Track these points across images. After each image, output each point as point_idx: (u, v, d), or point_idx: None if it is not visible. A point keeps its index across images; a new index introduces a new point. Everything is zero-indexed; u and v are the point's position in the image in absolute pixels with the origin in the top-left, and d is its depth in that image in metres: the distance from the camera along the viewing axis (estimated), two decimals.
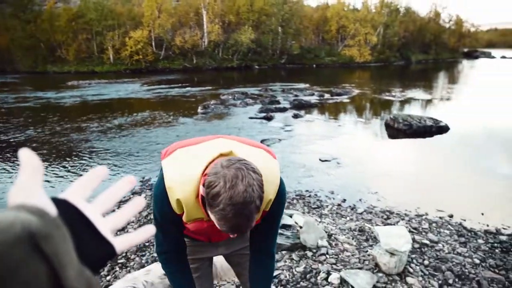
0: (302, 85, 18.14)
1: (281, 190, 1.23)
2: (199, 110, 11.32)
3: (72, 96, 15.19)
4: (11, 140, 8.09)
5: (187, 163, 1.18)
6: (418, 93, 15.74)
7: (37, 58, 30.01)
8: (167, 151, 1.26)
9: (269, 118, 10.09)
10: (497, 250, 3.38)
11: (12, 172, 5.87)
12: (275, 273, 2.87)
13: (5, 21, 29.84)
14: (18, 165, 4.97)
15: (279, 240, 3.23)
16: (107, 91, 16.66)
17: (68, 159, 6.69)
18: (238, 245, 1.57)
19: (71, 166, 6.28)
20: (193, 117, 10.42)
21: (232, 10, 35.45)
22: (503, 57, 55.81)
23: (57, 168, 6.16)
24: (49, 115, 11.00)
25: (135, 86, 18.74)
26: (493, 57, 55.81)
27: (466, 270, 2.97)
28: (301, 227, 3.43)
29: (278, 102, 12.57)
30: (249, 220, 0.99)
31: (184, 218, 1.21)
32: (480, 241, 3.55)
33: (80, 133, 8.59)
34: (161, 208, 1.22)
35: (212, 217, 1.05)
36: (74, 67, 29.78)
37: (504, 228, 3.91)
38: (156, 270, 1.97)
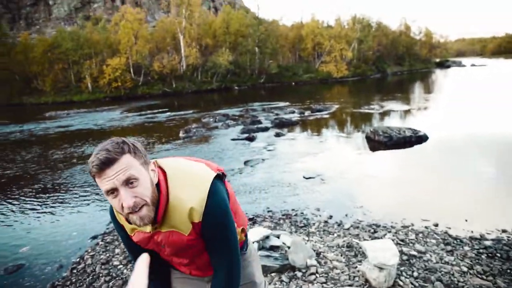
0: (282, 104, 18.34)
1: (212, 203, 1.13)
2: (181, 134, 11.26)
3: (49, 127, 14.90)
4: None
5: None
6: (396, 105, 16.12)
7: (13, 90, 29.50)
8: None
9: (251, 139, 10.11)
10: (483, 256, 3.41)
11: None
12: None
13: None
14: None
15: (268, 262, 3.19)
16: (86, 120, 16.44)
17: (48, 193, 6.51)
18: None
19: (54, 201, 6.09)
20: (175, 142, 10.35)
21: (209, 33, 35.91)
22: (473, 65, 58.17)
23: (38, 202, 5.97)
24: (26, 146, 10.73)
25: (115, 113, 18.59)
26: (464, 66, 58.12)
27: (455, 279, 2.98)
28: (289, 248, 3.40)
29: (260, 122, 12.64)
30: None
31: (127, 230, 1.26)
32: (466, 248, 3.58)
33: (61, 165, 8.40)
34: (113, 222, 1.30)
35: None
36: (52, 97, 29.40)
37: (488, 233, 3.96)
38: None
